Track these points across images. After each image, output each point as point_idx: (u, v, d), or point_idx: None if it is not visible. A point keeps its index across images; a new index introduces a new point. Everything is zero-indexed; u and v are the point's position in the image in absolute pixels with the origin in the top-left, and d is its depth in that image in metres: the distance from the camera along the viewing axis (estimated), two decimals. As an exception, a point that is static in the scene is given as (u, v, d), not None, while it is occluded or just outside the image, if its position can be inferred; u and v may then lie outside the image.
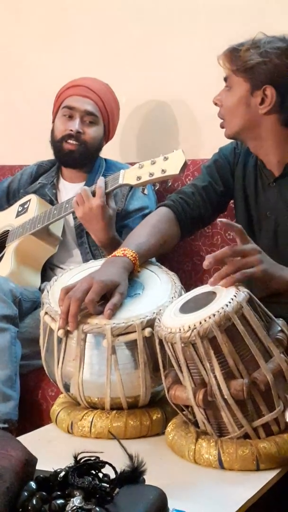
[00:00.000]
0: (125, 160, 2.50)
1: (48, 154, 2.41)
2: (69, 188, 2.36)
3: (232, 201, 1.96)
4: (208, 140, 2.43)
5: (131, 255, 1.63)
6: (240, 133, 1.77)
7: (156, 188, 1.94)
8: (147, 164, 1.86)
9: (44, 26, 2.85)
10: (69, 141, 2.28)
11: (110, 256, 1.66)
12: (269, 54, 1.68)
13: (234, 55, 1.72)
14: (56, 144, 2.32)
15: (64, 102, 2.30)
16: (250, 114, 1.73)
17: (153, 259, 2.03)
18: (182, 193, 1.88)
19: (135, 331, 1.48)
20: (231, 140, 1.91)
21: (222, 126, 1.80)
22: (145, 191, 1.91)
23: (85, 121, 2.28)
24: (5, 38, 2.97)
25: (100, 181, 1.98)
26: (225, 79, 1.78)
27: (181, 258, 2.36)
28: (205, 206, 1.88)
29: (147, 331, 1.48)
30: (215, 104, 1.79)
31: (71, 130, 2.27)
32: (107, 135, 2.35)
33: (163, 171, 1.80)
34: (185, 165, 1.79)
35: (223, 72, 1.78)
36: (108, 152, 2.42)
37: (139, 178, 1.85)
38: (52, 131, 2.35)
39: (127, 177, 1.90)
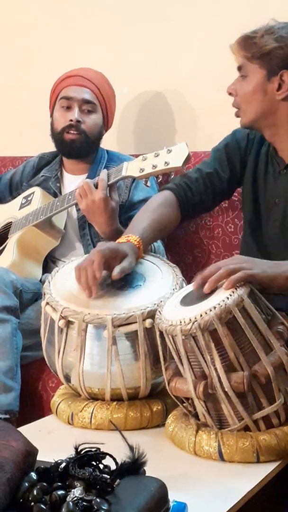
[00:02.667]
0: (124, 150, 2.49)
1: (49, 145, 2.40)
2: (72, 181, 2.36)
3: (239, 189, 1.94)
4: (207, 132, 2.43)
5: (135, 240, 1.64)
6: (257, 120, 1.74)
7: (159, 180, 1.94)
8: (150, 156, 1.85)
9: (46, 16, 2.84)
10: (70, 131, 2.27)
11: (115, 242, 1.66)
12: (285, 39, 1.66)
13: (248, 42, 1.70)
14: (57, 136, 2.31)
15: (61, 93, 2.30)
16: (267, 101, 1.71)
17: (160, 246, 2.03)
18: (186, 177, 1.87)
19: (136, 322, 1.49)
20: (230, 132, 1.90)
21: (237, 115, 1.77)
22: (148, 183, 1.90)
23: (83, 110, 2.27)
24: (7, 27, 2.95)
25: (103, 173, 1.98)
26: (239, 68, 1.75)
27: (182, 251, 2.36)
28: (207, 193, 1.87)
29: (148, 322, 1.48)
30: (230, 94, 1.76)
31: (71, 121, 2.26)
32: (106, 122, 2.35)
33: (166, 163, 1.80)
34: (188, 158, 1.79)
35: (233, 62, 1.75)
36: (107, 143, 2.41)
37: (142, 170, 1.85)
38: (52, 124, 2.34)
39: (130, 169, 1.90)
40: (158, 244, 2.08)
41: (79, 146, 2.28)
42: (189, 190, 1.85)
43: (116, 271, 1.53)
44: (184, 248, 2.36)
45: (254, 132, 1.86)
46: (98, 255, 1.55)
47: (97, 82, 2.29)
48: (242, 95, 1.73)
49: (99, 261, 1.54)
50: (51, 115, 2.35)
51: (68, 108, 2.28)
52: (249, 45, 1.70)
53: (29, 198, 2.32)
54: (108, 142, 2.43)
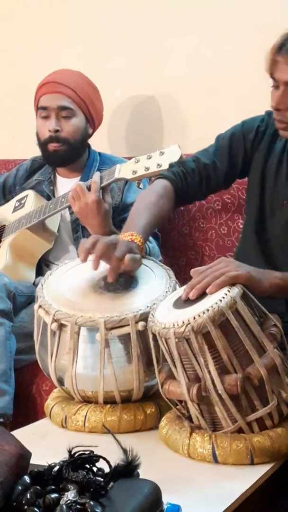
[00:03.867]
0: (116, 153, 2.49)
1: (42, 149, 2.40)
2: (65, 184, 2.36)
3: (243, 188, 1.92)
4: (197, 136, 2.43)
5: (139, 241, 1.62)
6: None
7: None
8: (143, 158, 1.86)
9: (38, 19, 2.84)
10: (50, 144, 2.27)
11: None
12: None
13: None
14: (43, 146, 2.31)
15: (39, 102, 2.30)
16: None
17: (155, 247, 2.03)
18: (184, 166, 1.83)
19: (129, 325, 1.48)
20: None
21: (283, 129, 1.66)
22: (141, 185, 1.90)
23: (61, 117, 2.26)
24: (0, 30, 2.95)
25: (96, 175, 1.98)
26: (279, 80, 1.61)
27: (176, 253, 2.36)
28: (200, 186, 1.84)
29: (141, 324, 1.48)
30: (278, 109, 1.63)
31: (50, 131, 2.26)
32: (92, 122, 2.32)
33: (159, 165, 1.80)
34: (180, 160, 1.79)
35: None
36: (98, 145, 2.41)
37: (134, 172, 1.85)
38: (37, 133, 2.35)
39: (123, 171, 1.90)
40: (153, 245, 2.08)
41: (63, 155, 2.27)
42: (185, 180, 1.82)
43: (129, 257, 1.52)
44: (178, 250, 2.36)
45: (266, 123, 1.80)
46: (123, 243, 1.55)
47: (74, 85, 2.27)
48: None
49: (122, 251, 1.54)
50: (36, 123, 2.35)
51: (46, 117, 2.27)
52: None
53: (22, 201, 2.32)
54: (100, 144, 2.44)
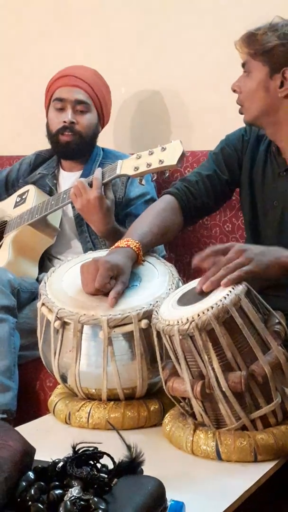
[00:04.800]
0: (121, 149, 2.49)
1: (47, 145, 2.40)
2: (68, 178, 2.36)
3: (238, 189, 1.94)
4: (203, 132, 2.43)
5: (135, 246, 1.63)
6: (259, 117, 1.73)
7: (154, 179, 1.94)
8: (144, 154, 1.85)
9: (44, 15, 2.84)
10: (64, 133, 2.27)
11: (113, 247, 1.66)
12: None
13: (251, 39, 1.69)
14: (53, 138, 2.32)
15: (54, 94, 2.30)
16: (270, 98, 1.69)
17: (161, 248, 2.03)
18: (186, 181, 1.86)
19: (132, 323, 1.48)
20: (227, 132, 1.90)
21: (241, 112, 1.76)
22: (143, 182, 1.90)
23: (77, 110, 2.27)
24: (4, 27, 2.95)
25: (97, 172, 1.98)
26: (243, 65, 1.74)
27: (180, 250, 2.36)
28: (208, 195, 1.86)
29: (144, 322, 1.48)
30: (234, 90, 1.75)
31: (65, 122, 2.26)
32: (102, 120, 2.34)
33: (161, 161, 1.80)
34: (182, 156, 1.79)
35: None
36: (104, 141, 2.41)
37: (136, 168, 1.85)
38: (47, 125, 2.35)
39: (124, 167, 1.90)
40: None
41: (74, 148, 2.28)
42: (190, 194, 1.84)
43: (112, 296, 1.52)
44: (182, 247, 2.36)
45: (249, 133, 1.86)
46: (100, 281, 1.53)
47: (90, 81, 2.29)
48: (245, 92, 1.72)
49: (105, 288, 1.53)
50: (47, 115, 2.35)
51: (62, 109, 2.28)
52: (252, 41, 1.69)
53: (23, 197, 2.32)
54: (105, 141, 2.43)
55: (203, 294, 1.38)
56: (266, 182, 1.80)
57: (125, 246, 1.62)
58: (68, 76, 2.30)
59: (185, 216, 1.83)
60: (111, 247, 1.67)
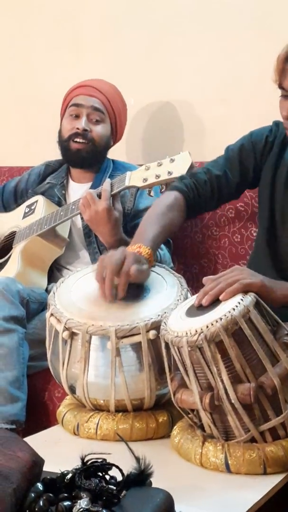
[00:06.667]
0: (132, 161, 2.50)
1: (56, 156, 2.41)
2: (77, 189, 2.36)
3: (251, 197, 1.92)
4: (214, 143, 2.44)
5: (146, 253, 1.62)
6: None
7: (163, 190, 1.95)
8: (153, 166, 1.86)
9: (53, 28, 2.85)
10: (76, 139, 2.27)
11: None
12: None
13: None
14: (64, 143, 2.32)
15: (71, 101, 2.31)
16: None
17: (166, 254, 2.02)
18: (196, 178, 1.83)
19: (140, 333, 1.48)
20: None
21: None
22: (152, 193, 1.90)
23: (91, 119, 2.27)
24: (14, 40, 2.97)
25: (106, 183, 1.98)
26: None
27: (189, 261, 2.36)
28: (212, 196, 1.84)
29: (152, 333, 1.48)
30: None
31: (78, 129, 2.27)
32: (115, 135, 2.35)
33: (170, 173, 1.80)
34: (191, 167, 1.79)
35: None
36: (115, 153, 2.42)
37: (145, 180, 1.85)
38: (60, 132, 2.35)
39: (133, 179, 1.90)
40: (164, 252, 2.08)
41: (85, 156, 2.28)
42: (197, 192, 1.82)
43: (135, 268, 1.52)
44: (191, 258, 2.36)
45: (274, 133, 1.81)
46: (130, 256, 1.54)
47: (108, 94, 2.30)
48: None
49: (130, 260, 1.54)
50: (61, 123, 2.36)
51: (77, 116, 2.28)
52: None
53: (32, 207, 2.33)
54: (116, 153, 2.44)
55: (210, 305, 1.38)
56: None
57: (137, 252, 1.62)
58: (87, 86, 2.31)
59: (188, 212, 1.82)
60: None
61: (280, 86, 1.62)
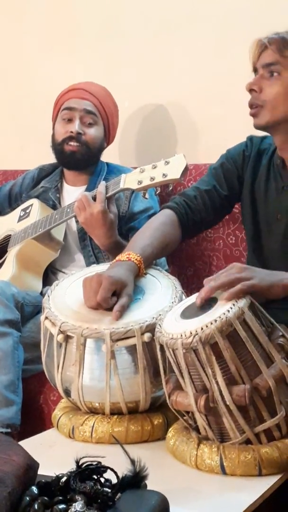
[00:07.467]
0: (125, 163, 2.50)
1: (50, 159, 2.41)
2: (71, 192, 2.37)
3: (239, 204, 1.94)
4: (208, 145, 2.44)
5: (136, 259, 1.63)
6: (279, 123, 1.67)
7: (158, 192, 1.95)
8: (148, 168, 1.86)
9: (47, 31, 2.86)
10: (70, 143, 2.28)
11: (114, 261, 1.66)
12: None
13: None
14: (57, 147, 2.32)
15: (63, 105, 2.31)
16: None
17: (163, 263, 2.03)
18: (185, 196, 1.88)
19: (134, 336, 1.48)
20: (232, 144, 1.91)
21: (254, 114, 1.69)
22: (147, 195, 1.91)
23: (84, 122, 2.28)
24: (8, 43, 2.97)
25: (101, 186, 1.98)
26: (269, 65, 1.66)
27: (183, 263, 2.36)
28: (206, 210, 1.87)
29: (147, 336, 1.48)
30: (251, 90, 1.68)
31: (71, 132, 2.27)
32: (108, 137, 2.36)
33: (164, 175, 1.80)
34: (186, 170, 1.79)
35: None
36: (108, 156, 2.42)
37: (140, 182, 1.86)
38: (53, 136, 2.36)
39: (128, 181, 1.90)
40: None
41: (79, 158, 2.29)
42: (189, 208, 1.85)
43: (116, 310, 1.51)
44: (185, 260, 2.36)
45: (250, 148, 1.86)
46: (102, 295, 1.52)
47: (100, 96, 2.31)
48: (270, 93, 1.65)
49: (107, 304, 1.53)
50: (53, 127, 2.36)
51: (70, 120, 2.29)
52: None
53: (27, 211, 2.33)
54: (110, 155, 2.44)
55: (205, 307, 1.38)
56: (269, 195, 1.80)
57: (126, 259, 1.63)
58: (78, 89, 2.32)
59: (183, 230, 1.84)
60: (112, 261, 1.67)
61: (255, 66, 1.71)
